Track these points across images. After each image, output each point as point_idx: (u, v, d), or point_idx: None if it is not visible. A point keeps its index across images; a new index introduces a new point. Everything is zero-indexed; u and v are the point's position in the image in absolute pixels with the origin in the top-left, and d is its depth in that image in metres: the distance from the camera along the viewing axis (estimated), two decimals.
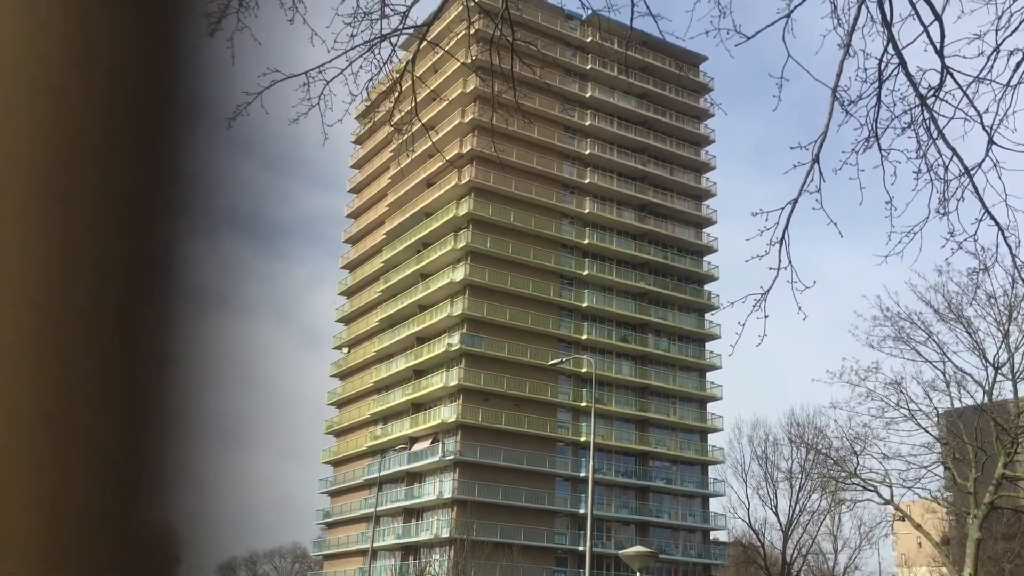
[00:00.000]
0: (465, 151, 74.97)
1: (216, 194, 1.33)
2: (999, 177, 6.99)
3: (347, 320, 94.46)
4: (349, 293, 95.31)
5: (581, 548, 67.74)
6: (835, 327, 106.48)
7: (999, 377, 35.02)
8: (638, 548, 24.13)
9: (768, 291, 7.44)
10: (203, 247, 1.29)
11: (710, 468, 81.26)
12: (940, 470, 37.78)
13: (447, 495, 69.51)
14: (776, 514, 74.34)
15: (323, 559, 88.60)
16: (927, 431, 36.61)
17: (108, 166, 1.29)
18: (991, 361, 35.11)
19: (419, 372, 78.05)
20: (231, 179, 1.33)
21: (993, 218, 7.20)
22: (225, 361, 1.29)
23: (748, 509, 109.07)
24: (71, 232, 1.23)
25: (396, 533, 74.16)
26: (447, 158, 69.18)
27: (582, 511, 69.66)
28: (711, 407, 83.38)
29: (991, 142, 6.91)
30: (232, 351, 1.30)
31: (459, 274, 74.98)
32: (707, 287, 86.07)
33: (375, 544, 63.12)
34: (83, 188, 1.26)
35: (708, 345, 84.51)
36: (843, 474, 40.29)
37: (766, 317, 7.56)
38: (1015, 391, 34.56)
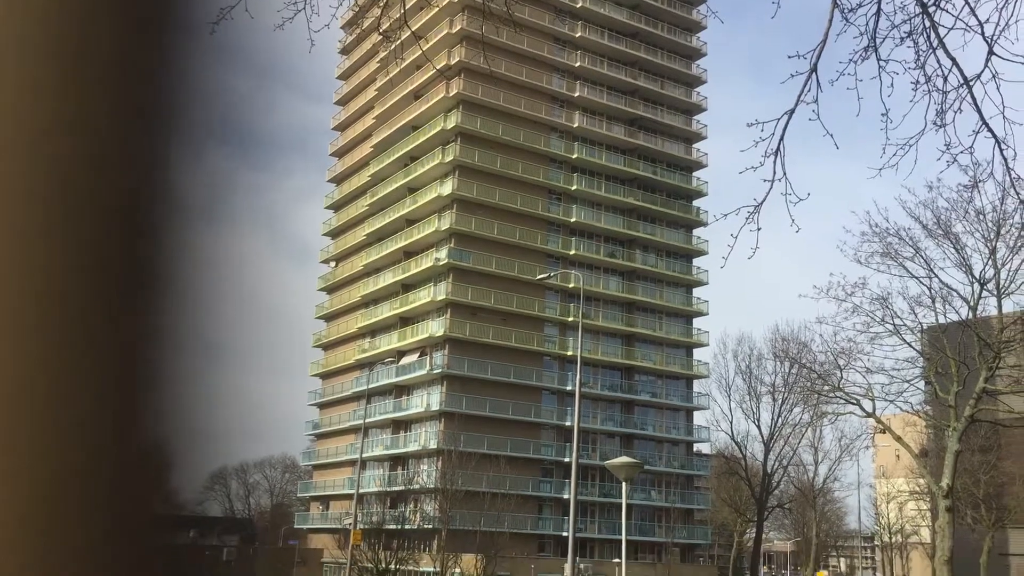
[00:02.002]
0: (453, 62, 73.73)
1: (199, 104, 1.29)
2: (998, 89, 6.90)
3: (334, 234, 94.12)
4: (336, 207, 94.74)
5: (567, 459, 68.91)
6: (824, 243, 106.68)
7: (984, 293, 35.36)
8: (623, 458, 24.51)
9: (762, 203, 7.40)
10: (187, 158, 1.27)
11: (695, 382, 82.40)
12: (922, 384, 38.38)
13: (435, 408, 70.33)
14: (758, 427, 75.96)
15: (313, 469, 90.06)
16: (911, 346, 37.09)
17: (82, 74, 1.21)
18: (977, 277, 35.40)
19: (407, 286, 78.16)
20: (215, 88, 1.30)
21: (990, 130, 7.13)
22: (211, 275, 1.29)
23: (731, 422, 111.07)
24: (47, 147, 1.17)
25: (384, 444, 75.22)
26: (436, 67, 67.92)
27: (568, 423, 70.66)
28: (697, 322, 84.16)
29: (991, 53, 6.80)
30: (218, 265, 1.29)
31: (447, 188, 74.51)
32: (696, 203, 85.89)
33: (364, 455, 64.01)
34: (57, 101, 1.18)
35: (695, 261, 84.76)
36: (826, 388, 40.85)
37: (759, 229, 7.53)
38: (999, 307, 34.90)
